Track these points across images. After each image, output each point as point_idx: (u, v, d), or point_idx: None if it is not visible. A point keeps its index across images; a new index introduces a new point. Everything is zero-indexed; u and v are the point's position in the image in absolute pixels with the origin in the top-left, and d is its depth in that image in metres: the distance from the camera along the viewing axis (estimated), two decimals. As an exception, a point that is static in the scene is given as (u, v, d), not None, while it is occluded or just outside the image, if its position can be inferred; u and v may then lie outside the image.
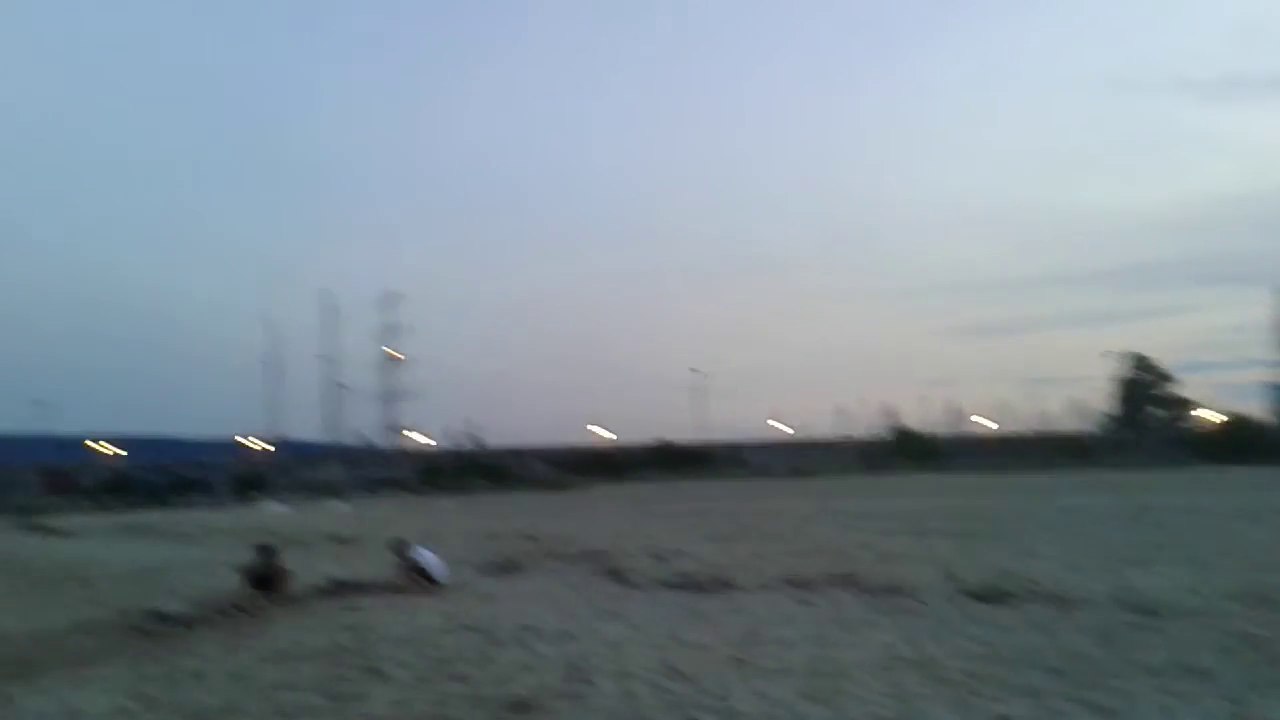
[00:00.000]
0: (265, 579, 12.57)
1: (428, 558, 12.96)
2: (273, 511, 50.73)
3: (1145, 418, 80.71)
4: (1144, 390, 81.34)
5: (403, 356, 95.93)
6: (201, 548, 24.17)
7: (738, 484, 55.43)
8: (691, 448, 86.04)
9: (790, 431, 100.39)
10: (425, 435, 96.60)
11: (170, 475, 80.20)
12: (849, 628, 9.12)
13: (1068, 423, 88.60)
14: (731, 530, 20.13)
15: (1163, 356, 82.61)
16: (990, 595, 10.58)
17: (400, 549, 13.04)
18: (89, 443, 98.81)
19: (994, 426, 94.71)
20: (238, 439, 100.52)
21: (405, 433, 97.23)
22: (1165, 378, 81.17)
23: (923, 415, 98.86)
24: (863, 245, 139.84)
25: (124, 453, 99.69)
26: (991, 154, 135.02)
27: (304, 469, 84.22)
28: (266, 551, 13.17)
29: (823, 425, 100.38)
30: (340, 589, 12.81)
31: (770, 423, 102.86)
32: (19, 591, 16.71)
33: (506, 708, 6.20)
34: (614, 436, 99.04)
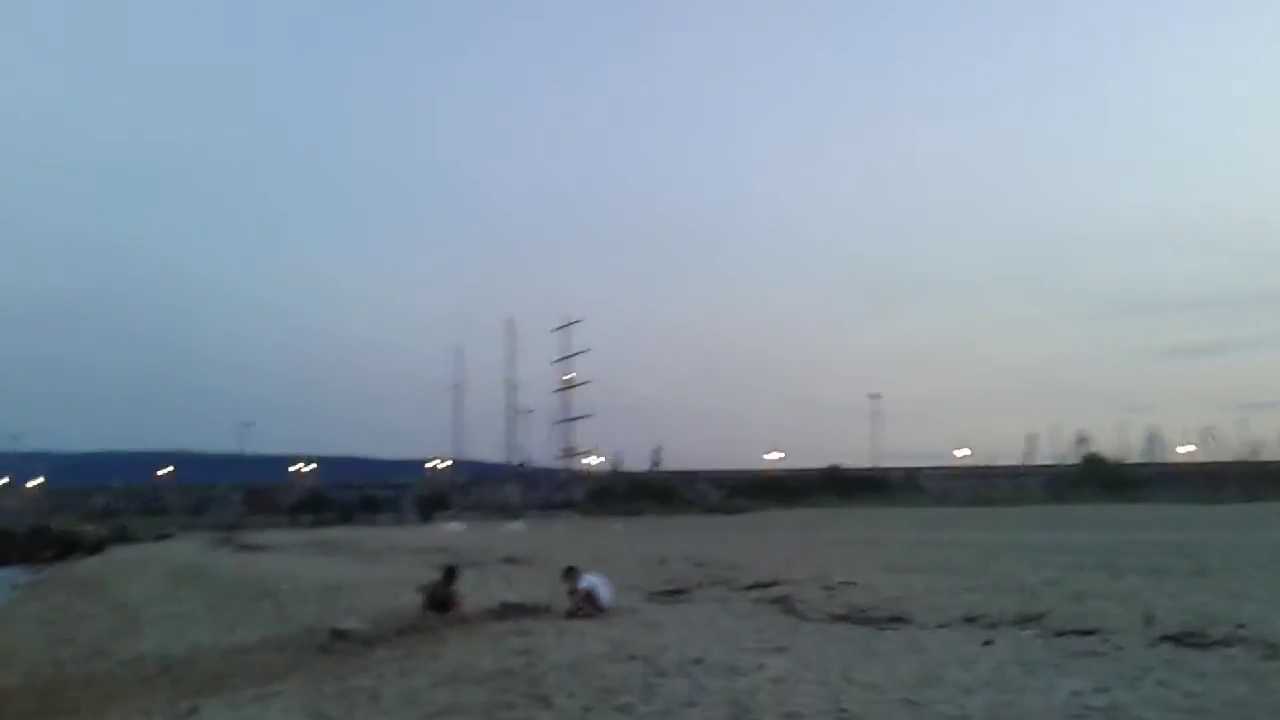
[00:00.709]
0: (442, 601, 12.91)
1: (596, 583, 13.01)
2: (451, 530, 52.50)
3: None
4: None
5: (578, 381, 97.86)
6: (384, 566, 25.13)
7: (914, 512, 53.76)
8: (866, 473, 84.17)
9: (972, 458, 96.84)
10: (598, 458, 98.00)
11: (360, 494, 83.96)
12: (1034, 672, 8.56)
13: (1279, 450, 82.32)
14: (908, 561, 19.40)
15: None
16: (1192, 639, 9.74)
17: (569, 575, 13.14)
18: (288, 466, 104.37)
19: (1196, 454, 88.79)
20: (423, 461, 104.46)
21: (579, 456, 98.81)
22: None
23: (1118, 442, 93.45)
24: (1051, 265, 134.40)
25: (316, 469, 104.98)
26: (1194, 169, 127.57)
27: (483, 489, 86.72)
28: (449, 574, 13.56)
29: (1009, 453, 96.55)
30: (510, 611, 13.00)
31: (953, 450, 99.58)
32: (214, 607, 17.75)
33: (670, 744, 6.06)
34: (784, 460, 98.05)
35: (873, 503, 65.45)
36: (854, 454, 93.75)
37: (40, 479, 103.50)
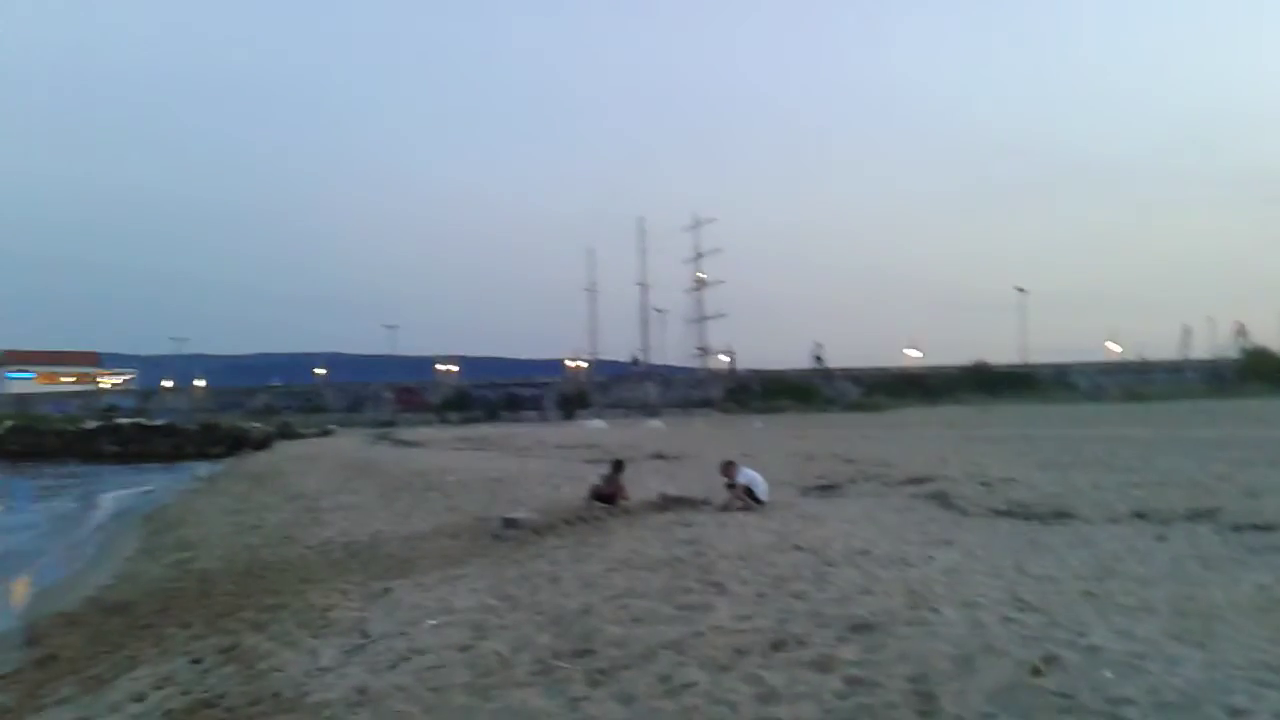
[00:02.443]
0: (608, 493, 13.36)
1: (753, 477, 13.21)
2: (593, 427, 53.65)
3: None
4: None
5: (712, 280, 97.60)
6: (536, 460, 25.98)
7: (1065, 409, 52.23)
8: (1012, 369, 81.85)
9: (1123, 353, 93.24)
10: (734, 355, 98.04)
11: (504, 392, 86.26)
12: (1214, 566, 8.41)
13: None
14: (1066, 458, 19.01)
15: None
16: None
17: (728, 469, 13.37)
18: (434, 366, 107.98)
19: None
20: (563, 359, 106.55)
21: (713, 354, 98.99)
22: None
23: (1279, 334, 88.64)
24: (1210, 150, 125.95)
25: (459, 369, 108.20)
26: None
27: (621, 388, 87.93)
28: (616, 467, 14.00)
29: (1162, 347, 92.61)
30: (670, 504, 13.35)
31: (1104, 344, 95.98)
32: (387, 498, 18.72)
33: (850, 628, 6.21)
34: (924, 357, 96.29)
35: (1020, 400, 63.72)
36: (999, 350, 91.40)
37: (202, 381, 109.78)
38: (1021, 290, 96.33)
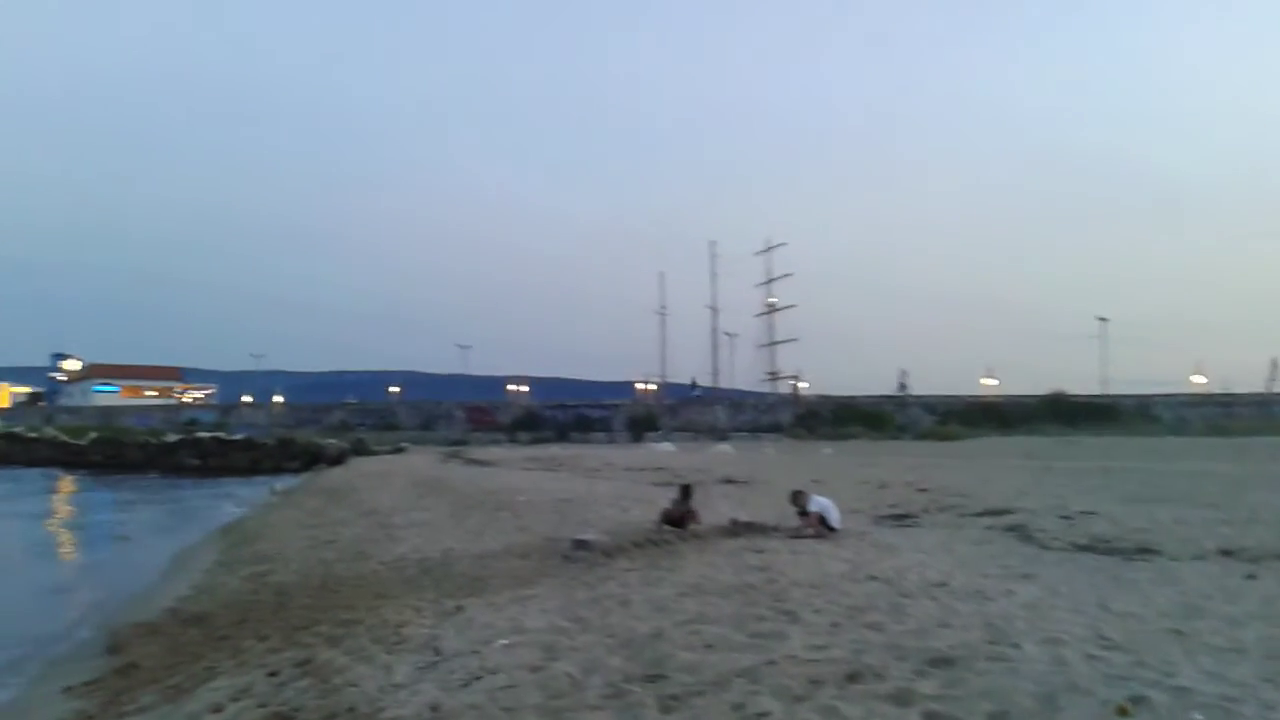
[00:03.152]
0: (678, 517, 13.32)
1: (825, 504, 13.07)
2: (662, 450, 53.57)
3: None
4: None
5: (783, 304, 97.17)
6: (605, 482, 26.00)
7: (1147, 441, 50.76)
8: (1092, 400, 79.96)
9: (1208, 385, 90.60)
10: (804, 381, 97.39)
11: (574, 413, 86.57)
12: (1311, 610, 8.08)
13: None
14: (1149, 492, 18.47)
15: None
16: None
17: (798, 499, 13.24)
18: (505, 386, 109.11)
19: None
20: (632, 382, 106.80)
21: (783, 379, 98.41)
22: None
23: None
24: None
25: (529, 389, 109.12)
26: None
27: (690, 411, 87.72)
28: (685, 492, 13.97)
29: (1251, 379, 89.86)
30: (741, 529, 13.26)
31: (1188, 376, 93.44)
32: (459, 516, 18.88)
33: (929, 662, 6.08)
34: (1000, 386, 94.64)
35: (1100, 431, 62.13)
36: (1078, 380, 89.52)
37: (281, 396, 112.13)
38: (1103, 319, 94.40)
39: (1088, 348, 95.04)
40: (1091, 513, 14.79)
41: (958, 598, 8.16)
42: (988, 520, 14.63)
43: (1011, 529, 13.50)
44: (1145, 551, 11.29)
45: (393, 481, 30.22)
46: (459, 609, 9.42)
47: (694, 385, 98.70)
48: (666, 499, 14.97)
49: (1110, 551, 11.38)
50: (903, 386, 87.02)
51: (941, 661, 6.10)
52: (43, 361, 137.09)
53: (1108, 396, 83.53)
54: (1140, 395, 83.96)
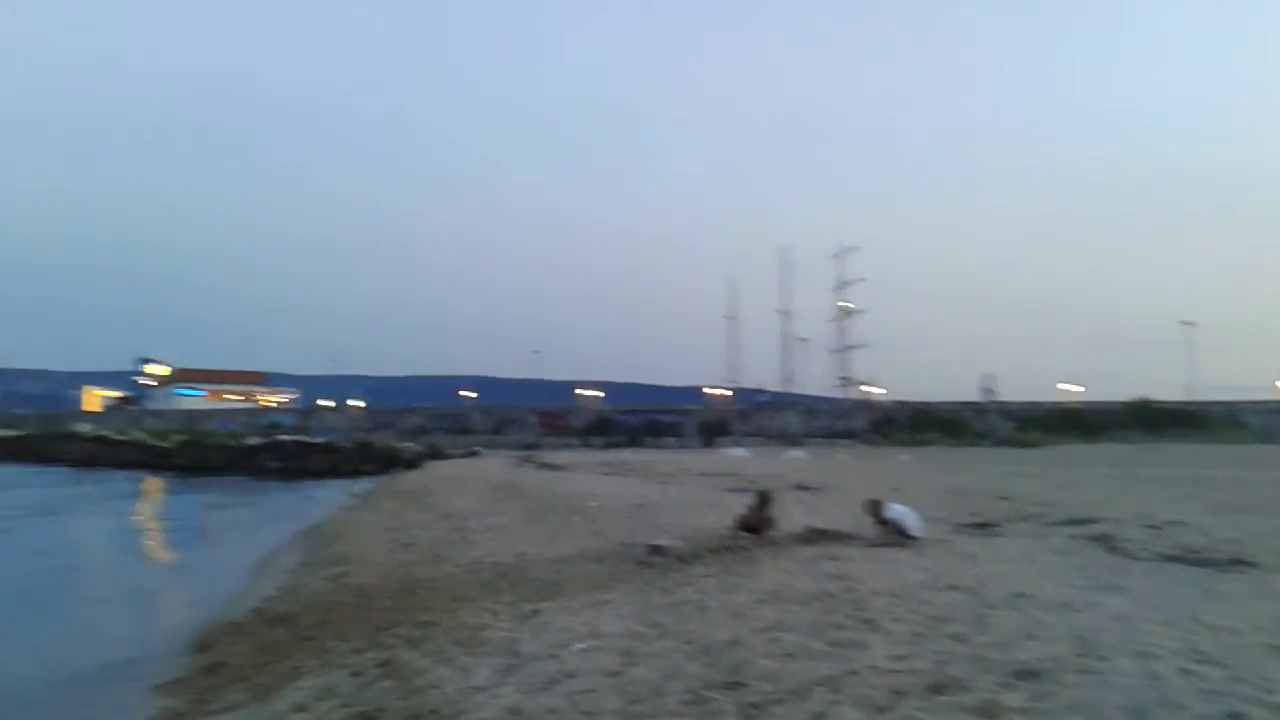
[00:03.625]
0: (755, 524, 13.26)
1: (903, 512, 12.89)
2: (735, 455, 53.39)
3: None
4: None
5: (856, 309, 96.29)
6: (678, 487, 25.97)
7: (1235, 449, 49.19)
8: (1178, 406, 77.69)
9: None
10: (878, 386, 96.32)
11: (646, 418, 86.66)
12: None
13: None
14: (1239, 501, 17.89)
15: None
16: None
17: (876, 507, 13.07)
18: (576, 390, 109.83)
19: None
20: (703, 387, 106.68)
21: (856, 384, 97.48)
22: None
23: None
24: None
25: (603, 396, 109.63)
26: None
27: (762, 416, 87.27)
28: (763, 499, 13.91)
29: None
30: (817, 536, 13.14)
31: (1278, 382, 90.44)
32: (533, 520, 19.00)
33: (1015, 674, 5.96)
34: (1081, 392, 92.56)
35: (1186, 438, 60.36)
36: (1163, 386, 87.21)
37: (358, 401, 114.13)
38: (1188, 323, 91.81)
39: (1172, 353, 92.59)
40: (1180, 522, 14.37)
41: (1043, 609, 7.98)
42: (1072, 529, 14.29)
43: (1097, 539, 13.15)
44: (1239, 563, 10.91)
45: (467, 485, 30.54)
46: (535, 612, 9.49)
47: (760, 390, 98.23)
48: (740, 505, 14.90)
49: (1201, 563, 11.02)
50: (988, 392, 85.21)
51: (1028, 674, 5.98)
52: (130, 366, 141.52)
53: (1193, 403, 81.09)
54: (1227, 402, 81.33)
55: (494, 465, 43.15)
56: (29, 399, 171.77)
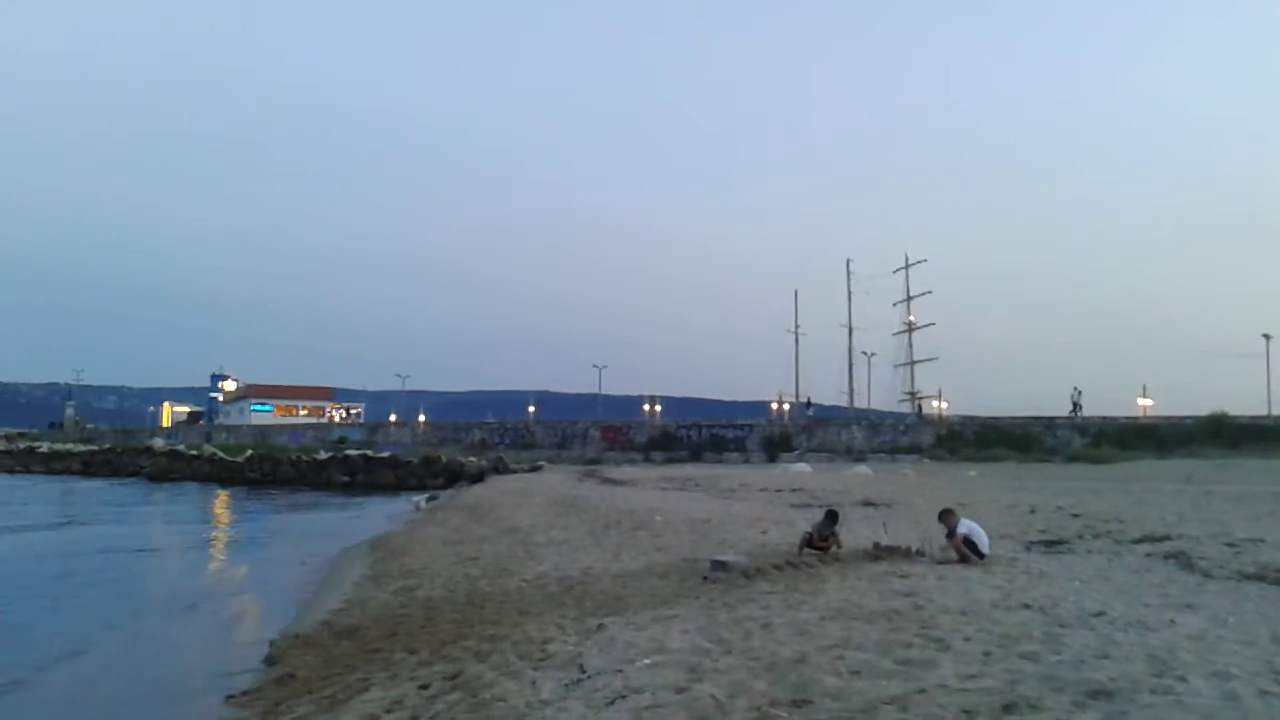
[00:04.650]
0: (820, 540, 13.18)
1: (973, 528, 12.71)
2: (798, 471, 52.92)
3: None
4: None
5: (922, 323, 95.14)
6: (741, 502, 25.87)
7: (1317, 465, 47.55)
8: (1256, 421, 75.39)
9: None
10: (944, 401, 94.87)
11: (709, 433, 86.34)
12: None
13: None
14: (1322, 518, 17.34)
15: None
16: None
17: (947, 518, 12.91)
18: (639, 405, 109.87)
19: None
20: (765, 402, 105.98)
21: (922, 399, 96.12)
22: None
23: None
24: None
25: (662, 409, 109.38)
26: None
27: (826, 431, 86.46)
28: (831, 517, 13.84)
29: None
30: (884, 553, 13.02)
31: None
32: (597, 535, 19.07)
33: (1088, 694, 5.85)
34: (1154, 406, 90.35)
35: (1264, 454, 58.49)
36: (1240, 400, 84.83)
37: (422, 415, 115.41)
38: (1268, 336, 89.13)
39: (1250, 367, 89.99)
40: (1259, 540, 13.97)
41: (1117, 627, 7.82)
42: (1146, 547, 13.98)
43: (1172, 556, 12.86)
44: (1321, 583, 10.60)
45: (532, 499, 30.72)
46: (600, 627, 9.52)
47: (808, 404, 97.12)
48: (805, 521, 14.82)
49: (1281, 582, 10.72)
50: (1075, 406, 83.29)
51: (1101, 694, 5.86)
52: (203, 382, 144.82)
53: (1273, 418, 78.62)
54: (1310, 416, 78.64)
55: (557, 479, 43.34)
56: (106, 414, 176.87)
